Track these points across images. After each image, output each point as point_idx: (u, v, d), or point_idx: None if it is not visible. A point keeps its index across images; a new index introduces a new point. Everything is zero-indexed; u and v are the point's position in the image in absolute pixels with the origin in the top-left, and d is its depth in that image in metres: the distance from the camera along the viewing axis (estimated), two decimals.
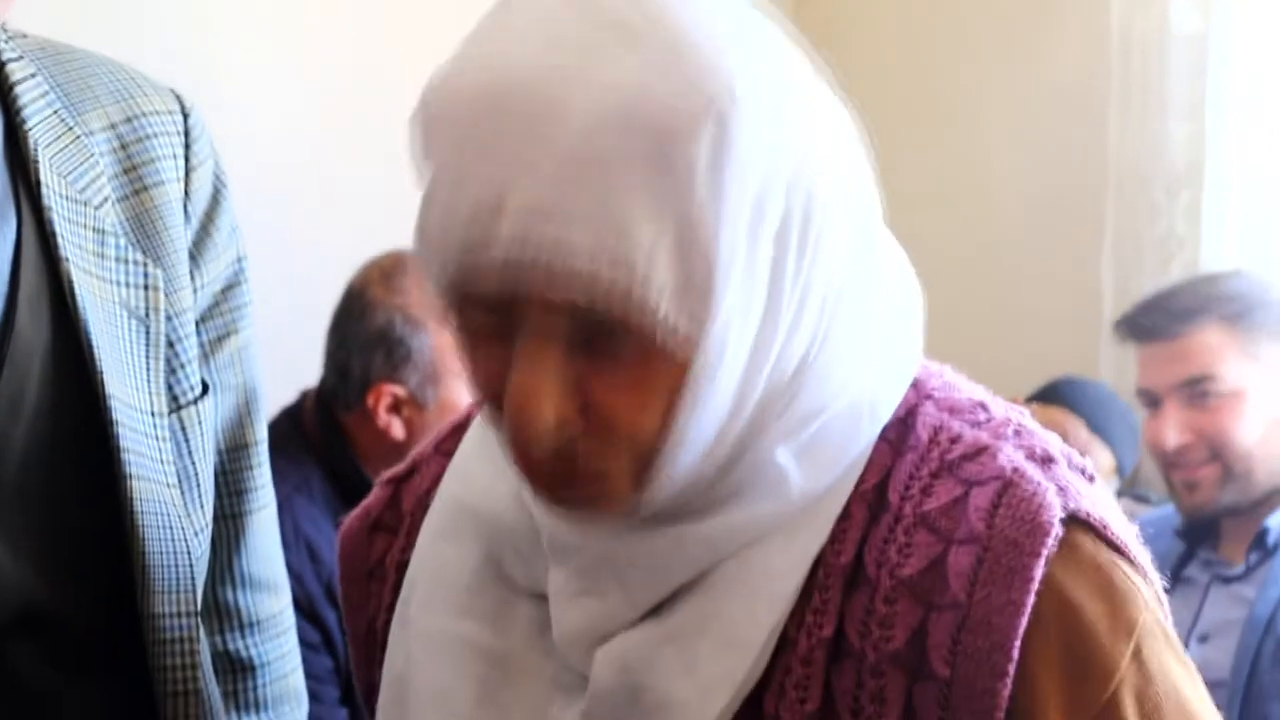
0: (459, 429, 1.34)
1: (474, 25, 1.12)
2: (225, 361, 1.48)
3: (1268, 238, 3.44)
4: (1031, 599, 1.09)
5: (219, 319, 1.48)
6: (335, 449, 2.89)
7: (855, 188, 1.15)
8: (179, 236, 1.44)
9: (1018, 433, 1.17)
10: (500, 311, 1.09)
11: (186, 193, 1.45)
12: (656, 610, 1.16)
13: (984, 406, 1.20)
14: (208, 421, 1.44)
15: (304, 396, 2.99)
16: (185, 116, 1.48)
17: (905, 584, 1.11)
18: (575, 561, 1.17)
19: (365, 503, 1.37)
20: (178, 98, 1.49)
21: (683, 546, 1.15)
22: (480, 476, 1.25)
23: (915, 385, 1.20)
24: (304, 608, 2.72)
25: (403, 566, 1.31)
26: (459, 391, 2.86)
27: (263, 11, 3.39)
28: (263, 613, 1.53)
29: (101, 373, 1.33)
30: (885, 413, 1.17)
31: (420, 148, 1.11)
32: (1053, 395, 3.21)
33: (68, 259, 1.34)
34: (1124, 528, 1.16)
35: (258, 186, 3.29)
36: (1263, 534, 2.82)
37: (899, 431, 1.18)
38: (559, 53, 1.06)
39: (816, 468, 1.15)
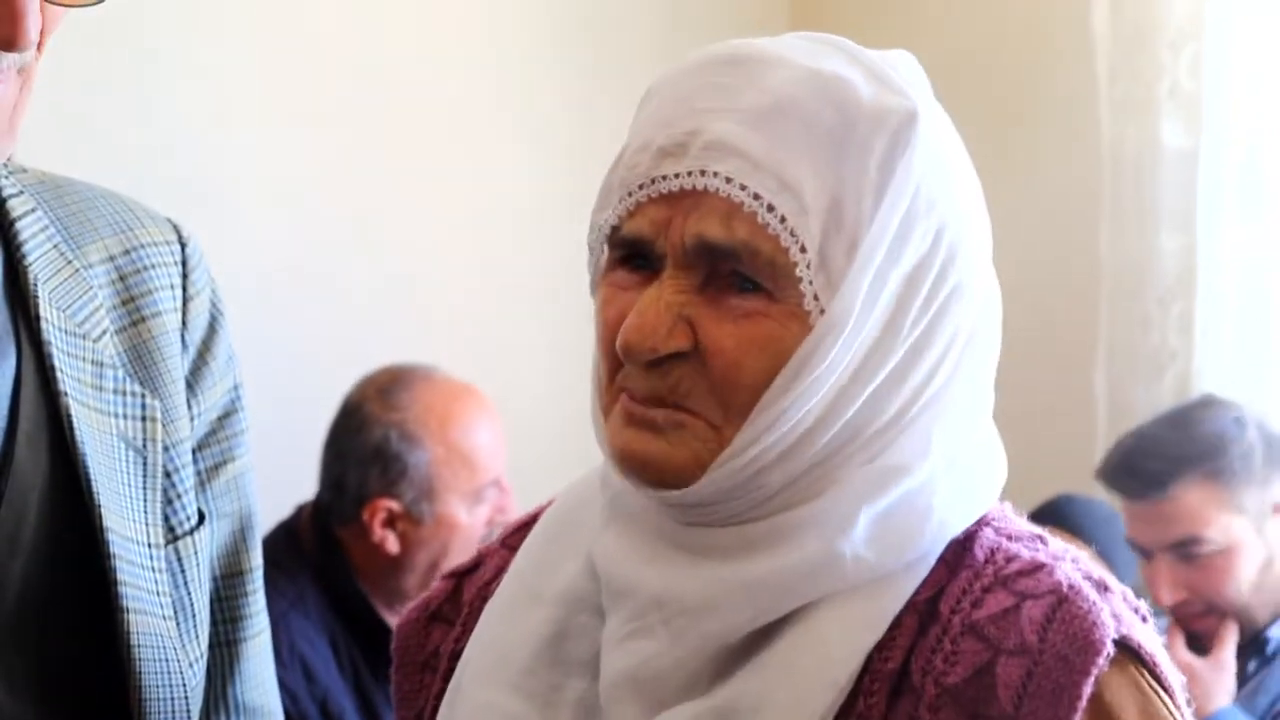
0: (525, 525, 1.38)
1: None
2: (221, 489, 1.48)
3: (1260, 348, 3.44)
4: (1078, 717, 1.12)
5: (215, 446, 1.48)
6: (331, 564, 2.88)
7: (989, 296, 1.24)
8: (176, 366, 1.45)
9: (1075, 560, 1.21)
10: (647, 265, 1.19)
11: (184, 322, 1.46)
12: (706, 683, 1.18)
13: (1042, 539, 1.24)
14: (203, 552, 1.44)
15: (300, 510, 2.99)
16: (183, 246, 1.49)
17: (950, 692, 1.14)
18: (629, 606, 1.21)
19: (426, 594, 1.42)
20: (175, 227, 1.50)
21: (729, 587, 1.18)
22: (552, 556, 1.31)
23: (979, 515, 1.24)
24: None
25: (456, 656, 1.34)
26: (455, 507, 2.87)
27: (252, 132, 3.41)
28: None
29: (100, 506, 1.34)
30: (952, 530, 1.21)
31: (636, 112, 1.24)
32: (1054, 515, 3.14)
33: (66, 393, 1.35)
34: (1173, 672, 1.19)
35: (257, 298, 3.31)
36: (1263, 643, 2.81)
37: (957, 553, 1.21)
38: (783, 46, 1.21)
39: (879, 542, 1.18)
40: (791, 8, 4.03)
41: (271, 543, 2.90)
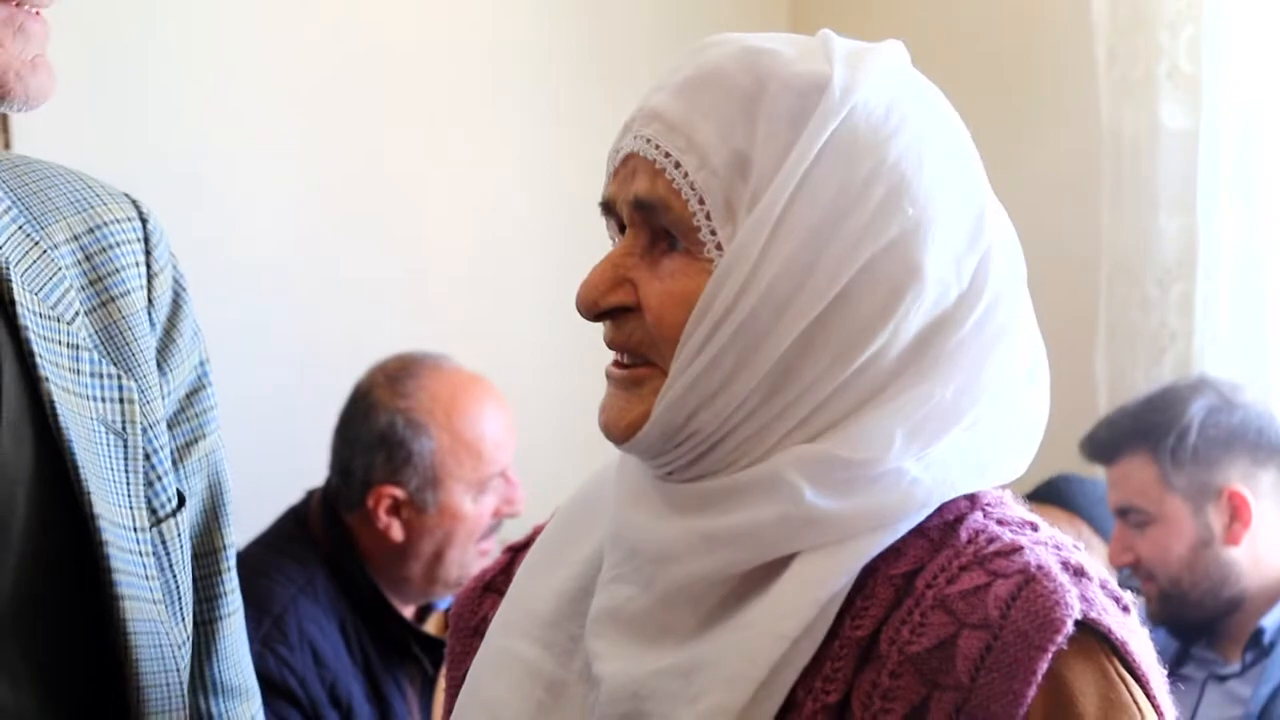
0: None
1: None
2: (194, 467, 1.48)
3: (1259, 329, 3.44)
4: (1033, 692, 1.15)
5: (186, 425, 1.48)
6: (340, 549, 2.88)
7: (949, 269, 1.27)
8: (148, 345, 1.44)
9: (1058, 547, 1.25)
10: (621, 228, 1.32)
11: (150, 300, 1.45)
12: (687, 638, 1.25)
13: (1034, 526, 1.28)
14: (185, 533, 1.44)
15: (310, 496, 2.99)
16: (144, 222, 1.47)
17: (912, 660, 1.18)
18: (616, 552, 1.31)
19: (485, 567, 1.53)
20: (134, 203, 1.48)
21: (689, 538, 1.26)
22: (578, 524, 1.40)
23: (973, 499, 1.29)
24: (307, 711, 2.71)
25: None
26: (459, 496, 2.87)
27: (257, 125, 3.42)
28: (235, 719, 1.52)
29: (88, 492, 1.33)
30: (938, 495, 1.25)
31: None
32: (1051, 494, 3.21)
33: (47, 378, 1.34)
34: (1149, 659, 1.21)
35: (263, 288, 3.32)
36: (1258, 633, 2.83)
37: (942, 532, 1.26)
38: (755, 35, 1.31)
39: (841, 504, 1.23)
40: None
41: (281, 528, 2.93)
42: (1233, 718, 2.79)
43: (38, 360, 1.34)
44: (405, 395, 2.89)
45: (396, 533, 2.86)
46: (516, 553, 1.49)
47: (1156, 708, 1.21)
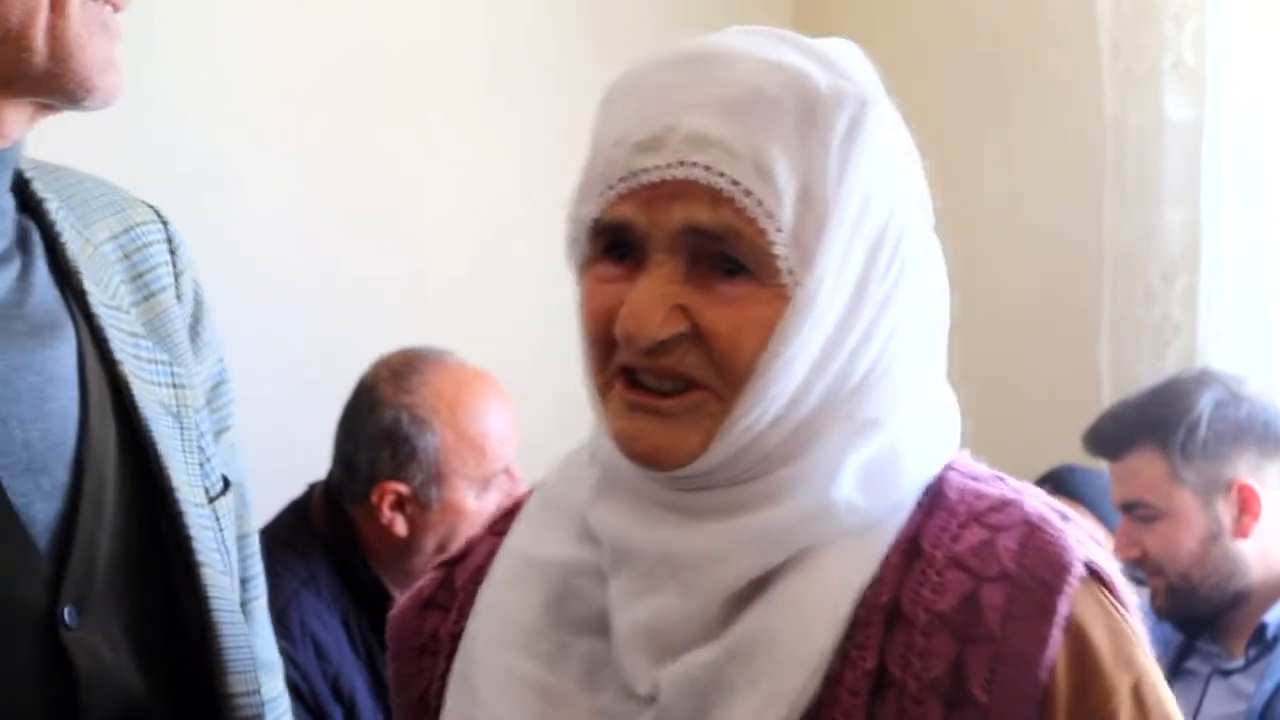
0: (510, 512, 1.46)
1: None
2: (225, 456, 1.54)
3: (1262, 322, 3.45)
4: (1058, 632, 1.23)
5: (214, 415, 1.54)
6: (343, 542, 2.89)
7: (935, 269, 1.35)
8: (184, 339, 1.52)
9: (1035, 494, 1.33)
10: (629, 256, 1.28)
11: (178, 297, 1.53)
12: (717, 629, 1.28)
13: (1002, 479, 1.35)
14: (232, 514, 1.51)
15: (312, 489, 2.99)
16: (165, 225, 1.55)
17: (941, 618, 1.25)
18: (636, 566, 1.31)
19: (417, 585, 1.49)
20: (152, 208, 1.56)
21: (733, 539, 1.28)
22: (546, 529, 1.39)
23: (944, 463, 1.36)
24: (310, 705, 2.72)
25: (457, 637, 1.40)
26: (463, 493, 2.88)
27: (260, 117, 3.42)
28: (269, 694, 1.56)
29: (166, 467, 1.41)
30: (925, 475, 1.32)
31: (600, 111, 1.33)
32: (1056, 484, 3.21)
33: (121, 362, 1.42)
34: (1128, 591, 1.31)
35: (276, 282, 3.32)
36: (1261, 629, 2.83)
37: (930, 496, 1.32)
38: (742, 41, 1.31)
39: (866, 486, 1.29)
40: None
41: (283, 521, 2.93)
42: (1236, 713, 2.79)
43: (110, 346, 1.42)
44: (409, 391, 2.89)
45: (400, 528, 2.86)
46: (451, 567, 1.47)
47: (1138, 629, 1.30)
